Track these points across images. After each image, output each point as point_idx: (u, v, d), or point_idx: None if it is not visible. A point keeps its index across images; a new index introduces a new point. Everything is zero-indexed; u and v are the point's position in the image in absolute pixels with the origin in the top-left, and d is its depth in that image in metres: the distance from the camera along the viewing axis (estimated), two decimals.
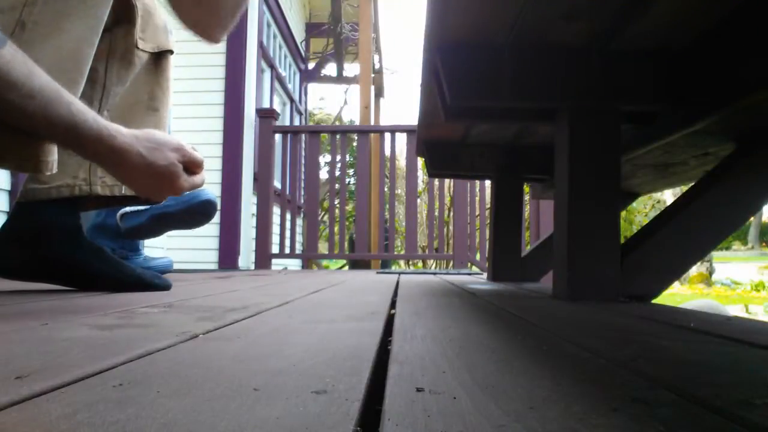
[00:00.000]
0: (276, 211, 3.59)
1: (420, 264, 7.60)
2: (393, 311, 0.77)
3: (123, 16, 1.05)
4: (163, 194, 0.78)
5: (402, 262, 7.13)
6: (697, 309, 1.51)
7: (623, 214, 6.92)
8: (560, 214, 1.03)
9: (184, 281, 1.50)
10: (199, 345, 0.45)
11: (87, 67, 0.92)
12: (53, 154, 0.72)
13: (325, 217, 6.05)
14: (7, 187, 2.15)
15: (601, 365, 0.39)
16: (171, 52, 1.15)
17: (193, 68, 3.57)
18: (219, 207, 1.40)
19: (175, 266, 2.25)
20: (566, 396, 0.30)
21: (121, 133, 0.70)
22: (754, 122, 0.96)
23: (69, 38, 0.84)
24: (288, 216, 3.65)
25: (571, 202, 1.00)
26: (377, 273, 2.74)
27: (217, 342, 0.46)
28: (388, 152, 3.82)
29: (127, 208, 1.62)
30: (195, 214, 1.61)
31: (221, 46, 3.73)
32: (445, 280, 1.86)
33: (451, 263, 3.53)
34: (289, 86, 5.73)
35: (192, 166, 0.80)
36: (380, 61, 7.28)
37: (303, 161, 3.95)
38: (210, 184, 3.62)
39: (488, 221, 2.73)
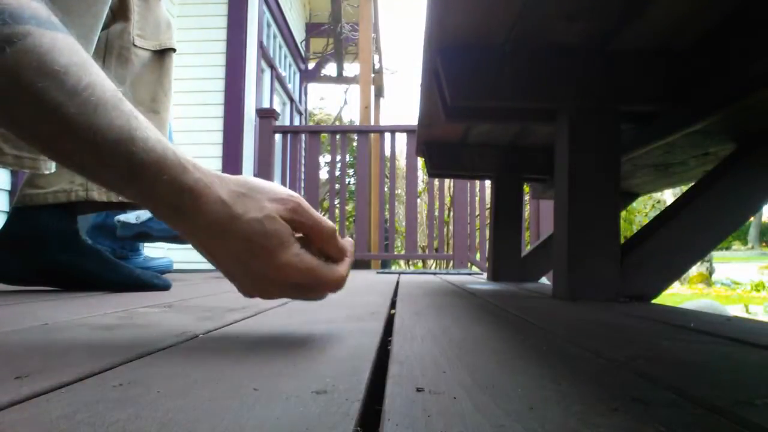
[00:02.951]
0: None
1: (420, 264, 7.60)
2: (393, 311, 0.77)
3: (119, 13, 1.05)
4: (265, 282, 0.46)
5: (402, 262, 7.13)
6: (697, 309, 1.51)
7: (623, 214, 6.92)
8: (560, 214, 1.03)
9: (183, 281, 1.50)
10: (199, 345, 0.44)
11: None
12: None
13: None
14: (7, 187, 2.15)
15: (601, 365, 0.39)
16: (173, 50, 1.14)
17: (193, 68, 3.57)
18: None
19: (175, 266, 2.25)
20: (566, 396, 0.30)
21: (198, 168, 0.44)
22: (754, 122, 0.95)
23: None
24: None
25: (571, 202, 1.00)
26: (377, 273, 2.73)
27: (217, 342, 0.46)
28: (388, 152, 3.82)
29: (121, 217, 1.62)
30: (177, 241, 1.59)
31: (221, 46, 3.73)
32: (445, 280, 1.86)
33: (451, 263, 3.53)
34: (289, 86, 5.73)
35: (318, 238, 0.47)
36: (380, 61, 7.28)
37: (303, 161, 3.95)
38: None
39: (488, 221, 2.73)
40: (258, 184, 0.46)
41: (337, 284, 0.47)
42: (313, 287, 0.47)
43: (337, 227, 3.35)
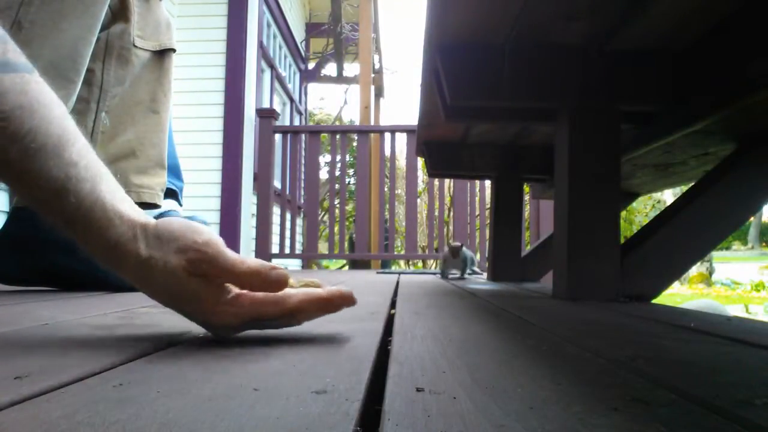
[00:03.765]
0: (276, 211, 3.59)
1: (420, 264, 7.60)
2: (393, 311, 0.77)
3: (119, 14, 1.04)
4: (213, 325, 0.44)
5: (402, 262, 7.13)
6: (697, 309, 1.51)
7: (623, 214, 6.92)
8: (560, 214, 1.03)
9: None
10: (199, 345, 0.44)
11: (84, 67, 0.92)
12: None
13: (325, 217, 6.05)
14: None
15: (601, 365, 0.39)
16: (173, 50, 1.14)
17: (193, 68, 3.58)
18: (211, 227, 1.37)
19: None
20: (566, 396, 0.30)
21: (126, 218, 0.43)
22: (754, 122, 0.95)
23: (66, 38, 0.83)
24: (288, 216, 3.65)
25: (571, 202, 1.00)
26: (377, 273, 2.73)
27: (217, 342, 0.45)
28: (388, 152, 3.82)
29: None
30: None
31: (221, 46, 3.74)
32: (440, 278, 1.86)
33: None
34: (289, 86, 5.73)
35: (238, 284, 0.44)
36: (380, 61, 7.28)
37: (303, 161, 3.95)
38: (210, 184, 3.63)
39: (488, 221, 2.73)
40: (172, 231, 0.43)
41: (291, 315, 0.45)
42: (273, 317, 0.44)
43: (336, 227, 3.27)
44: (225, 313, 0.43)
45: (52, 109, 0.43)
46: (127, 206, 0.44)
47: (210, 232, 0.44)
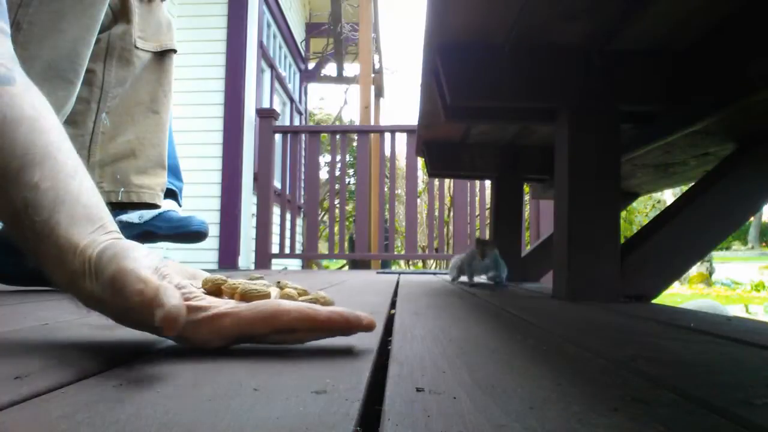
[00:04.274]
0: (276, 211, 3.59)
1: (420, 264, 7.60)
2: (393, 311, 0.77)
3: (120, 15, 1.04)
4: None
5: (402, 262, 7.13)
6: (697, 309, 1.51)
7: (623, 214, 6.92)
8: (560, 214, 1.03)
9: None
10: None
11: (83, 68, 0.92)
12: None
13: (325, 217, 6.05)
14: None
15: (601, 365, 0.39)
16: (174, 51, 1.14)
17: (193, 68, 3.57)
18: (209, 230, 1.36)
19: None
20: (566, 396, 0.30)
21: (80, 251, 0.40)
22: (754, 122, 0.96)
23: (65, 38, 0.83)
24: (288, 216, 3.65)
25: (571, 202, 1.00)
26: (377, 273, 2.73)
27: None
28: (388, 152, 3.82)
29: (123, 217, 1.61)
30: (184, 239, 1.60)
31: (221, 46, 3.73)
32: (445, 280, 1.86)
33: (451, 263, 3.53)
34: (289, 86, 5.73)
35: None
36: (380, 61, 7.28)
37: (303, 161, 3.95)
38: (210, 184, 3.63)
39: (488, 221, 2.74)
40: (104, 268, 0.39)
41: (287, 332, 0.40)
42: (262, 335, 0.40)
43: (336, 227, 3.26)
44: (199, 333, 0.39)
45: (20, 125, 0.41)
46: (85, 229, 0.41)
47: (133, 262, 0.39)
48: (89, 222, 0.42)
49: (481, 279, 1.51)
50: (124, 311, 0.38)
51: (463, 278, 1.51)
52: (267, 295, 0.42)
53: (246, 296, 0.42)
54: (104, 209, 0.44)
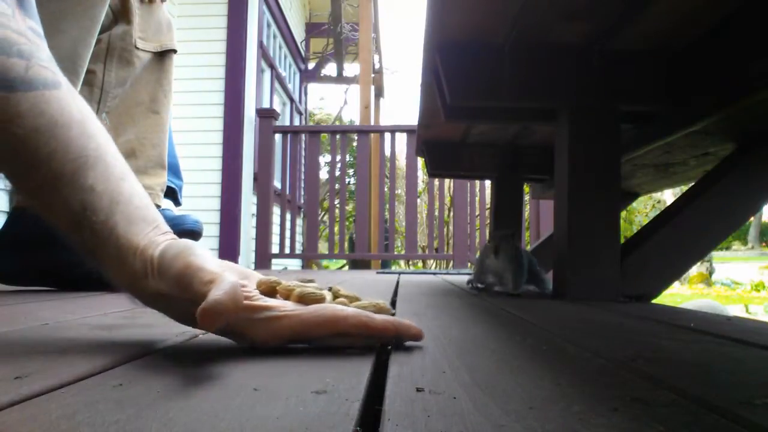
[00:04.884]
0: (276, 211, 3.59)
1: (420, 264, 7.60)
2: (393, 311, 0.77)
3: (121, 15, 1.05)
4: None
5: (402, 262, 7.13)
6: (697, 309, 1.51)
7: (623, 214, 6.92)
8: (560, 214, 1.03)
9: None
10: (199, 345, 0.45)
11: (83, 69, 0.92)
12: None
13: (325, 217, 6.05)
14: (7, 186, 2.15)
15: (601, 365, 0.39)
16: (174, 51, 1.14)
17: (193, 68, 3.57)
18: (203, 229, 1.36)
19: None
20: (566, 396, 0.30)
21: (141, 251, 0.41)
22: (754, 122, 0.96)
23: (65, 39, 0.83)
24: (288, 216, 3.65)
25: (571, 202, 1.00)
26: (377, 273, 2.73)
27: (217, 342, 0.45)
28: (388, 152, 3.82)
29: None
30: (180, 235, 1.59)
31: (221, 46, 3.74)
32: (445, 280, 1.86)
33: (451, 263, 3.53)
34: (289, 86, 5.73)
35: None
36: (380, 61, 7.28)
37: (303, 161, 3.95)
38: (210, 184, 3.63)
39: (488, 221, 2.74)
40: (171, 267, 0.39)
41: (340, 336, 0.40)
42: (318, 338, 0.40)
43: (336, 227, 3.27)
44: (260, 332, 0.39)
45: (70, 128, 0.41)
46: (142, 230, 0.42)
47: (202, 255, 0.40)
48: (145, 223, 0.42)
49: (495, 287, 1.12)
50: (190, 306, 0.37)
51: (479, 284, 1.17)
52: (323, 299, 0.43)
53: (303, 299, 0.42)
54: (155, 210, 0.44)
